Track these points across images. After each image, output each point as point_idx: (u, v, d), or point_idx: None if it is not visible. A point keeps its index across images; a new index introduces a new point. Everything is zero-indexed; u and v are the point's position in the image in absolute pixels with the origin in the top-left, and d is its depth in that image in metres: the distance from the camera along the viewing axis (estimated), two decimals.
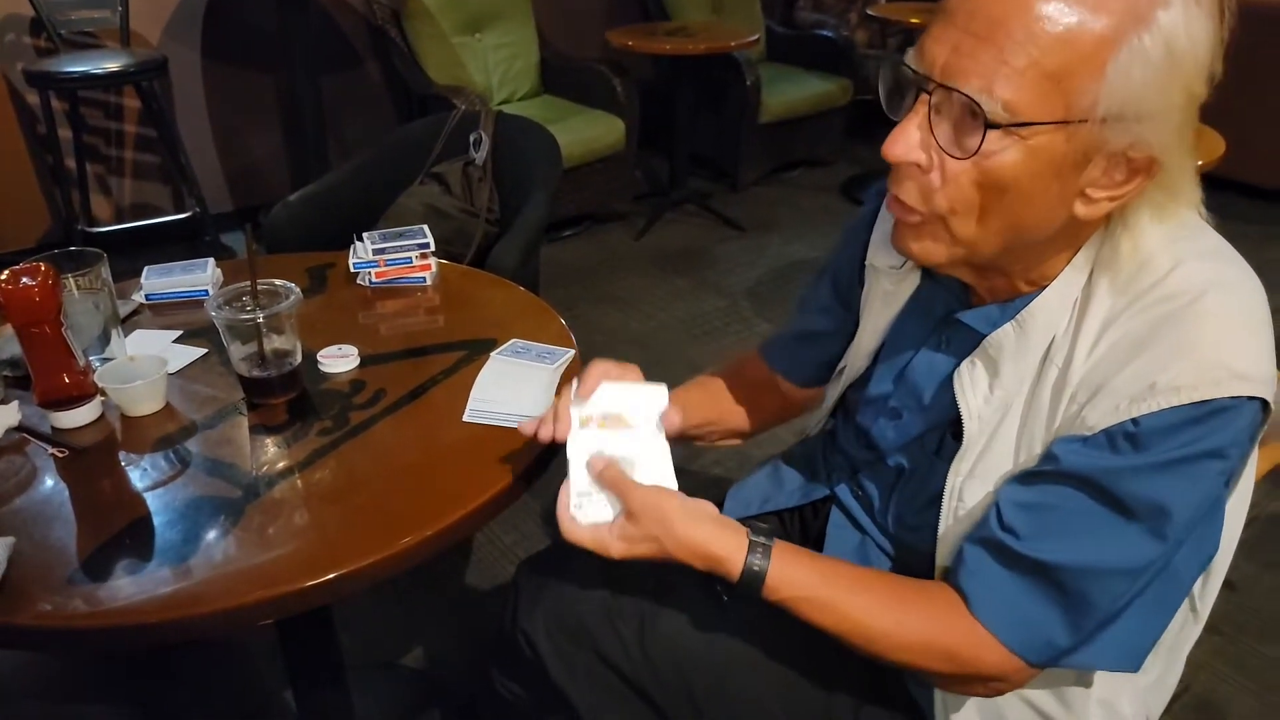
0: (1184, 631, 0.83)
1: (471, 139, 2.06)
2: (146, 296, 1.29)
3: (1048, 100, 0.61)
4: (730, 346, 2.66)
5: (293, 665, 1.27)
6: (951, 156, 0.65)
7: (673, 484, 0.80)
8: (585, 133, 3.21)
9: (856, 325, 0.93)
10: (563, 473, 0.82)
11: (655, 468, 0.81)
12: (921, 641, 0.73)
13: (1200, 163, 2.19)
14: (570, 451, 0.81)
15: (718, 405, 1.04)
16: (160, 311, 1.28)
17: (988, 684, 0.74)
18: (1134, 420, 0.65)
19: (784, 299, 2.94)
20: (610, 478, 0.78)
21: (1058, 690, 0.79)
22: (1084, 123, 0.62)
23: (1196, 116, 0.64)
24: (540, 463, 0.96)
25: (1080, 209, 0.66)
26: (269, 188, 3.36)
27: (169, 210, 3.29)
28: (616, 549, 0.77)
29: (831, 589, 0.75)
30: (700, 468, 2.07)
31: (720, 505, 1.08)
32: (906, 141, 0.67)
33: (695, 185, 3.69)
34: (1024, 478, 0.73)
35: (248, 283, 1.02)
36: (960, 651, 0.72)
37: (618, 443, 0.82)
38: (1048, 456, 0.71)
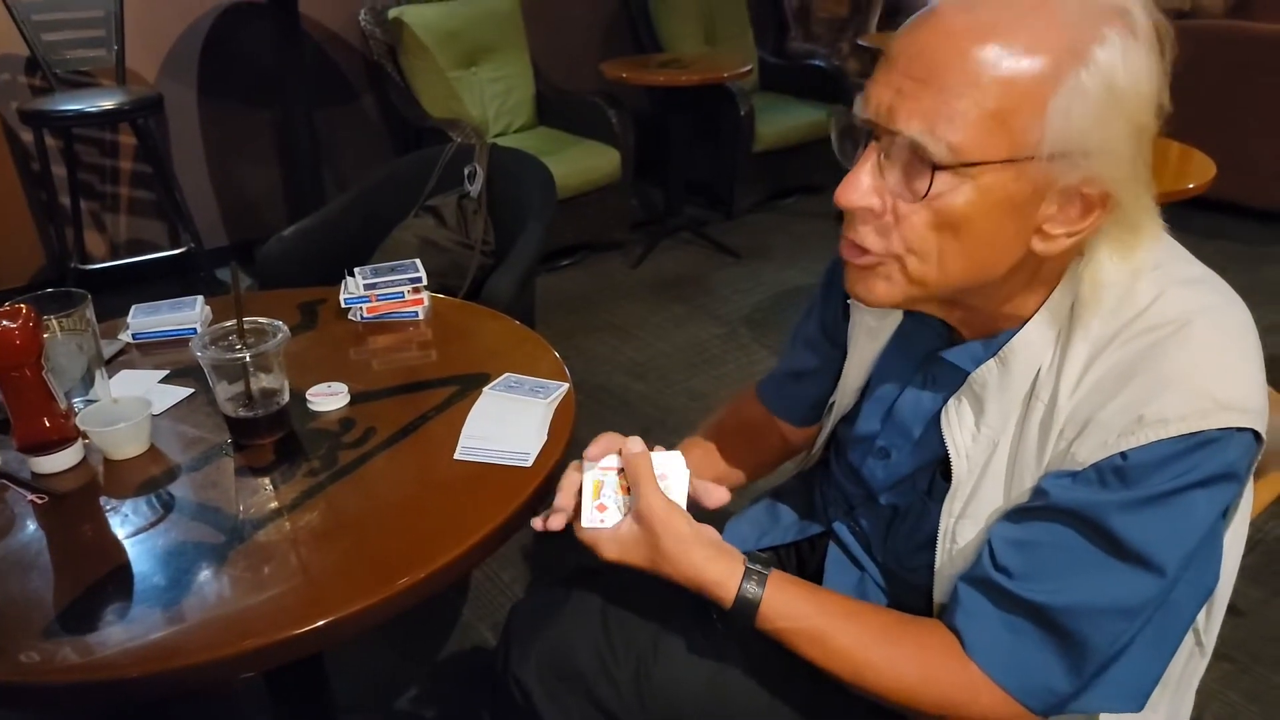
0: (1190, 664, 0.81)
1: (466, 172, 2.06)
2: (134, 336, 1.27)
3: (992, 138, 0.61)
4: (729, 373, 2.64)
5: (281, 713, 1.23)
6: (902, 200, 0.65)
7: (681, 498, 0.79)
8: (581, 163, 3.22)
9: (844, 361, 0.91)
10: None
11: (672, 488, 0.80)
12: (914, 682, 0.71)
13: (1192, 185, 2.20)
14: (585, 468, 0.81)
15: (718, 463, 1.02)
16: (148, 351, 1.27)
17: None
18: (1122, 454, 0.64)
19: (781, 325, 2.93)
20: (634, 468, 0.77)
21: None
22: (1031, 160, 0.62)
23: (1149, 149, 0.64)
24: (537, 497, 0.93)
25: (1038, 245, 0.66)
26: (264, 222, 3.36)
27: (164, 246, 3.28)
28: (609, 551, 0.77)
29: (825, 621, 0.73)
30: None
31: None
32: (858, 188, 0.66)
33: (691, 213, 3.70)
34: (1015, 514, 0.72)
35: (234, 321, 1.00)
36: (953, 694, 0.70)
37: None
38: (1038, 492, 0.70)
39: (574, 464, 0.83)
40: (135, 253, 3.23)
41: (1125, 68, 0.60)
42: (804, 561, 1.00)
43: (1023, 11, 0.61)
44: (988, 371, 0.73)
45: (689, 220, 3.63)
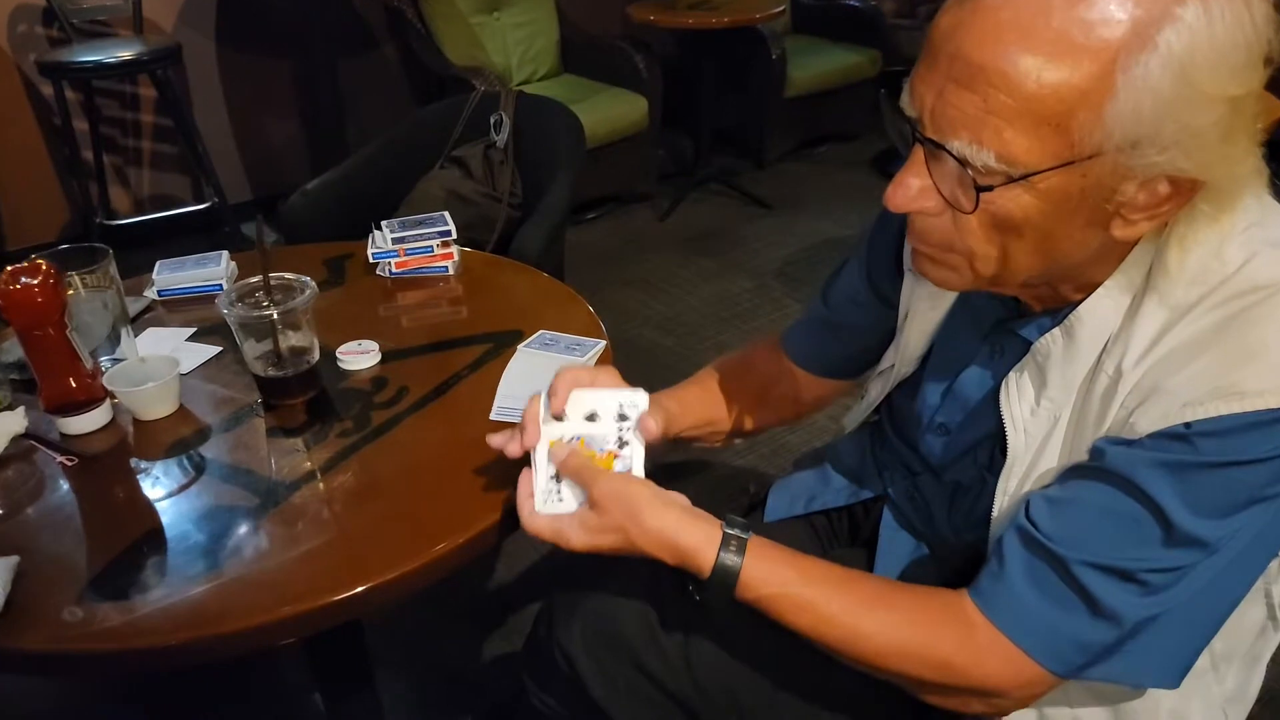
0: (1263, 639, 0.76)
1: (492, 120, 1.99)
2: (159, 293, 1.24)
3: (1047, 144, 0.55)
4: (760, 328, 2.59)
5: (320, 671, 1.23)
6: (955, 209, 0.61)
7: (640, 463, 0.76)
8: (607, 112, 3.13)
9: (894, 321, 0.86)
10: None
11: (631, 461, 0.76)
12: (910, 646, 0.67)
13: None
14: (536, 444, 0.77)
15: (717, 404, 0.95)
16: (173, 308, 1.24)
17: (987, 699, 0.67)
18: (1186, 424, 0.59)
19: (814, 278, 2.86)
20: (574, 466, 0.74)
21: (1115, 708, 0.72)
22: (1097, 156, 0.55)
23: (1252, 108, 0.56)
24: None
25: (1119, 231, 0.60)
26: (288, 175, 3.31)
27: (188, 201, 3.26)
28: (578, 540, 0.72)
29: (810, 587, 0.69)
30: (725, 458, 2.00)
31: (763, 502, 1.02)
32: (906, 193, 0.62)
33: (720, 163, 3.60)
34: (1061, 473, 0.67)
35: (260, 277, 0.97)
36: (955, 659, 0.66)
37: (586, 435, 0.77)
38: (1091, 454, 0.65)
39: (535, 396, 0.79)
40: (160, 208, 3.21)
41: (1208, 43, 0.52)
42: (857, 526, 0.96)
43: None
44: (1051, 341, 0.68)
45: (719, 170, 3.53)
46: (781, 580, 0.69)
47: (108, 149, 3.07)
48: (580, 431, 0.78)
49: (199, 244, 1.29)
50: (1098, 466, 0.63)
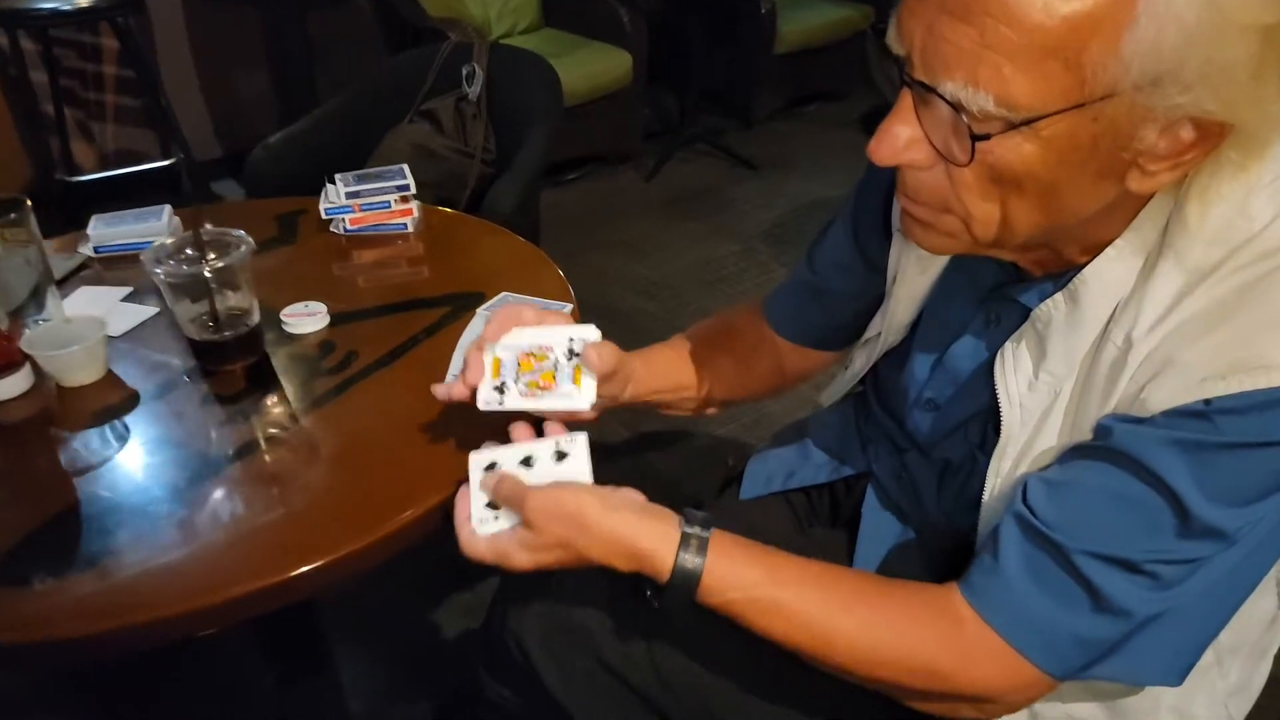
0: (1272, 630, 0.71)
1: (464, 72, 1.89)
2: (95, 249, 1.16)
3: (1054, 83, 0.48)
4: (746, 293, 2.51)
5: (271, 652, 1.17)
6: (948, 160, 0.53)
7: (586, 478, 0.67)
8: (590, 67, 3.02)
9: (882, 287, 0.79)
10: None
11: (569, 464, 0.68)
12: (892, 649, 0.61)
13: None
14: (471, 459, 0.69)
15: (690, 370, 0.87)
16: (111, 266, 1.15)
17: (977, 704, 0.61)
18: (1205, 401, 0.52)
19: (802, 241, 2.78)
20: (505, 493, 0.66)
21: (1112, 704, 0.67)
22: (1111, 97, 0.48)
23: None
24: (537, 423, 0.83)
25: (1135, 183, 0.53)
26: (257, 131, 3.14)
27: (155, 157, 3.13)
28: (520, 560, 0.64)
29: (780, 588, 0.62)
30: (706, 428, 1.94)
31: (740, 477, 0.95)
32: (893, 144, 0.55)
33: (707, 122, 3.51)
34: (1062, 454, 0.61)
35: (191, 232, 0.88)
36: (941, 661, 0.60)
37: (522, 448, 0.69)
38: (1096, 432, 0.58)
39: (476, 344, 0.71)
40: (125, 164, 3.08)
41: None
42: (838, 505, 0.90)
43: None
44: (1053, 308, 0.61)
45: (705, 130, 3.43)
46: (748, 581, 0.62)
47: (68, 102, 2.93)
48: (526, 352, 0.71)
49: (164, 202, 1.19)
50: (1104, 446, 0.56)
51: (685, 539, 0.62)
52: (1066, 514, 0.57)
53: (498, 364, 0.71)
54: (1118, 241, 0.58)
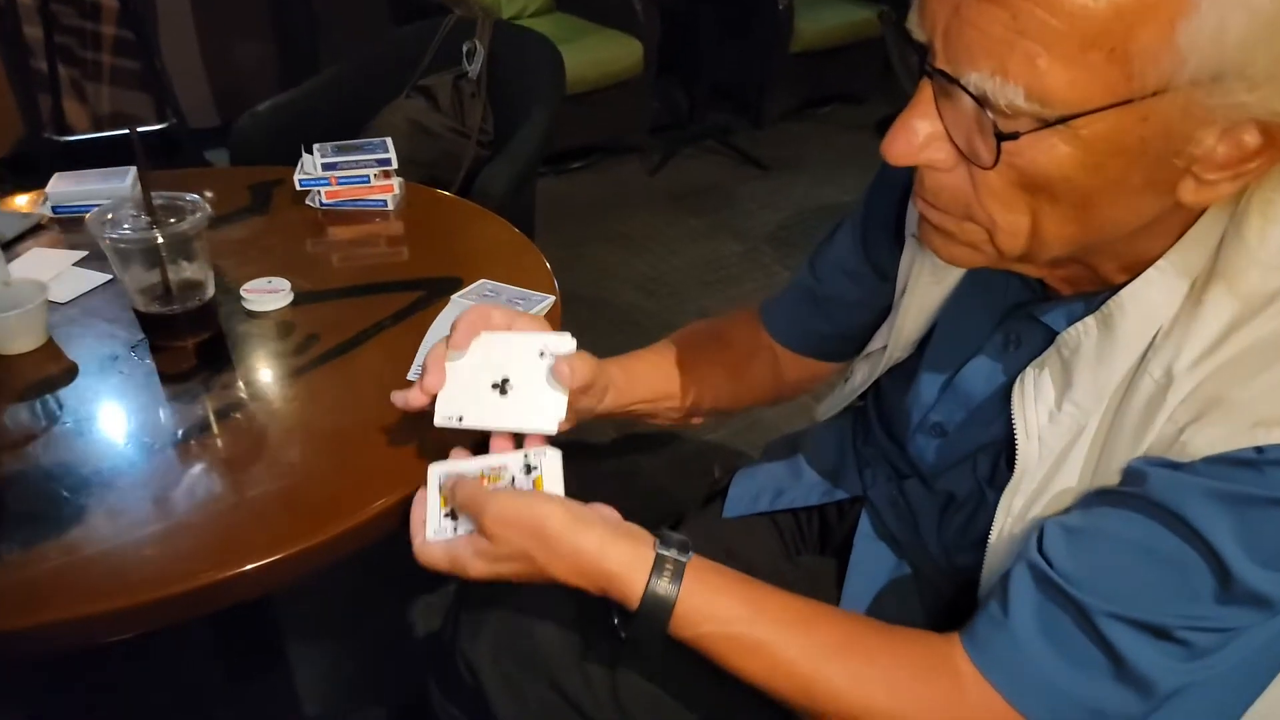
0: None
1: (465, 49, 1.82)
2: (53, 209, 1.09)
3: (1096, 76, 0.41)
4: (747, 295, 2.44)
5: (222, 651, 1.10)
6: (970, 162, 0.47)
7: (557, 489, 0.61)
8: (599, 54, 2.95)
9: (889, 297, 0.72)
10: None
11: (545, 478, 0.62)
12: (884, 706, 0.54)
13: None
14: (430, 470, 0.63)
15: (675, 377, 0.80)
16: (70, 228, 1.08)
17: None
18: (1257, 449, 0.45)
19: (808, 246, 2.69)
20: (462, 498, 0.59)
21: None
22: (1164, 93, 0.41)
23: None
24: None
25: (1189, 195, 0.45)
26: (256, 101, 3.11)
27: (149, 121, 3.06)
28: (475, 568, 0.59)
29: (763, 627, 0.55)
30: (692, 433, 1.87)
31: (725, 491, 0.88)
32: (911, 139, 0.48)
33: (717, 118, 3.43)
34: (1085, 499, 0.54)
35: (142, 195, 0.81)
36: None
37: (488, 459, 0.63)
38: (1127, 477, 0.52)
39: (440, 344, 0.64)
40: (120, 126, 3.01)
41: None
42: (829, 530, 0.83)
43: None
44: (1083, 333, 0.54)
45: (714, 126, 3.36)
46: (727, 615, 0.55)
47: (63, 60, 2.86)
48: (491, 365, 0.63)
49: (158, 168, 1.12)
50: (1135, 493, 0.50)
51: (659, 562, 0.56)
52: (1089, 568, 0.50)
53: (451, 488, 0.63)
54: (1161, 262, 0.51)
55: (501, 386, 0.63)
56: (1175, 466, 0.48)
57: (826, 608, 0.58)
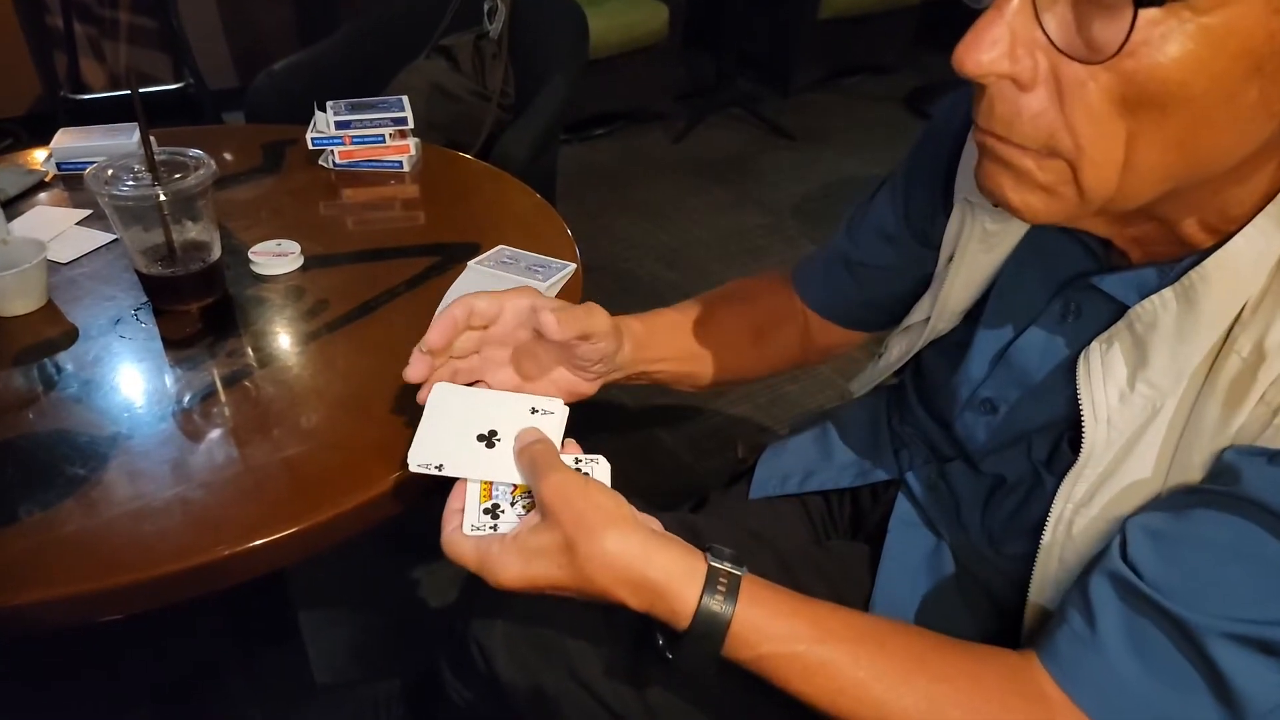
0: None
1: (486, 7, 1.76)
2: (58, 165, 1.05)
3: None
4: (771, 267, 2.38)
5: (236, 622, 1.08)
6: (1074, 59, 0.40)
7: None
8: (624, 18, 2.87)
9: (931, 266, 0.67)
10: None
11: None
12: None
13: None
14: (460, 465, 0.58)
15: (697, 338, 0.74)
16: (74, 185, 1.04)
17: None
18: None
19: (834, 218, 2.63)
20: (533, 455, 0.54)
21: None
22: None
23: None
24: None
25: None
26: (275, 62, 3.07)
27: (166, 80, 3.02)
28: (506, 570, 0.51)
29: (828, 645, 0.50)
30: (714, 406, 1.83)
31: (752, 470, 0.84)
32: (990, 45, 0.41)
33: (743, 87, 3.34)
34: (1172, 499, 0.49)
35: (142, 151, 0.77)
36: None
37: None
38: (1217, 471, 0.47)
39: (456, 302, 0.59)
40: (136, 85, 2.97)
41: None
42: (861, 514, 0.78)
43: None
44: (1161, 306, 0.49)
45: (740, 95, 3.27)
46: (789, 634, 0.49)
47: (80, 17, 2.82)
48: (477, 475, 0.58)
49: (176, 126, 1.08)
50: (1229, 493, 0.45)
51: (712, 576, 0.49)
52: (1182, 578, 0.46)
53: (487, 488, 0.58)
54: (1258, 219, 0.45)
55: (488, 439, 0.58)
56: (1272, 456, 0.43)
57: (892, 623, 0.54)
